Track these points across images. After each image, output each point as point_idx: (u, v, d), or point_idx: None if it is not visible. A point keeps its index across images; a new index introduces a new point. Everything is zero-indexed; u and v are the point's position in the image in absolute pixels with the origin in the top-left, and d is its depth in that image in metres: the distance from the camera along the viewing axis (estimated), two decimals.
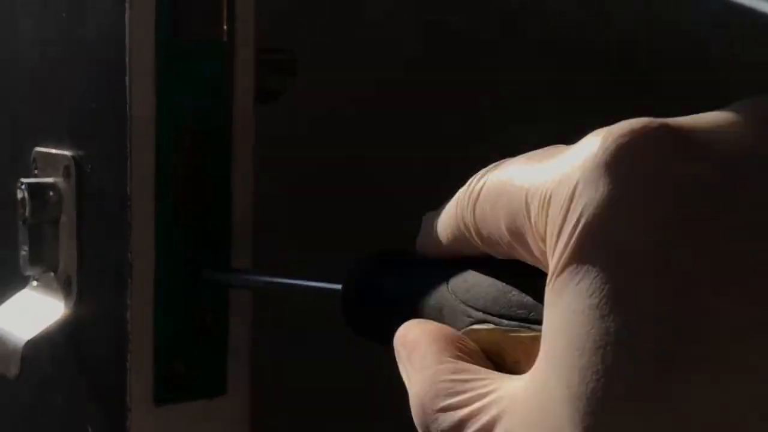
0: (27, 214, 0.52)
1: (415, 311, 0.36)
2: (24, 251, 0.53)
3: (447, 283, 0.34)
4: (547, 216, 0.27)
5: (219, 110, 0.49)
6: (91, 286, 0.51)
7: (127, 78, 0.47)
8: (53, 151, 0.53)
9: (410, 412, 0.31)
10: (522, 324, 0.30)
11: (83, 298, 0.51)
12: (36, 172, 0.54)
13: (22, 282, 0.56)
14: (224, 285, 0.49)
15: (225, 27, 0.48)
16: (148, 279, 0.48)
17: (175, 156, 0.48)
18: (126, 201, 0.47)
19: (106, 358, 0.50)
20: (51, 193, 0.52)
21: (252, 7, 0.49)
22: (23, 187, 0.52)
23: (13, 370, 0.50)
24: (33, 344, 0.51)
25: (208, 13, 0.48)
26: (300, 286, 0.44)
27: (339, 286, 0.40)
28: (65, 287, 0.52)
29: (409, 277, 0.37)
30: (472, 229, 0.32)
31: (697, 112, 0.27)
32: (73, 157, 0.51)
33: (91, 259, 0.51)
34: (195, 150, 0.49)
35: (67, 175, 0.51)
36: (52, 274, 0.53)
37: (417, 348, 0.32)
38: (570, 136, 0.29)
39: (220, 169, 0.50)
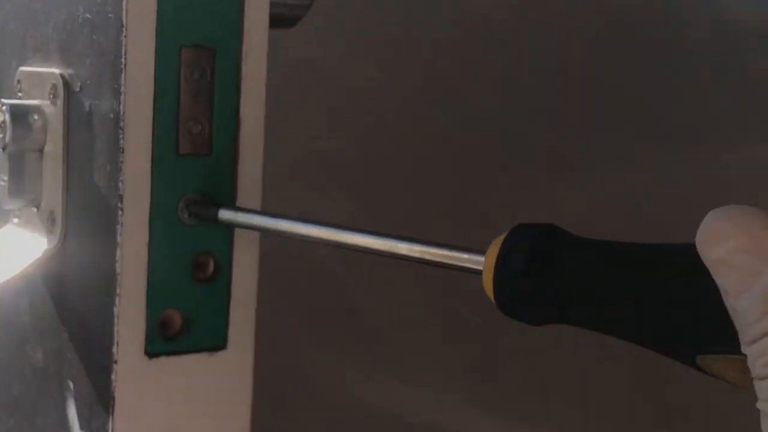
0: (7, 139, 0.46)
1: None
2: (3, 182, 0.46)
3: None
4: None
5: (228, 27, 0.43)
6: (78, 223, 0.45)
7: None
8: (40, 69, 0.47)
9: None
10: None
11: (69, 236, 0.45)
12: (20, 94, 0.48)
13: (4, 217, 0.50)
14: (233, 226, 0.43)
15: None
16: (142, 215, 0.42)
17: (178, 74, 0.42)
18: (119, 124, 0.41)
19: (92, 304, 0.44)
20: (35, 117, 0.46)
21: None
22: (4, 108, 0.46)
23: None
24: (12, 287, 0.45)
25: None
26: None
27: (478, 256, 0.34)
28: (49, 224, 0.46)
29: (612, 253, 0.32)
30: None
31: None
32: (61, 75, 0.45)
33: (78, 193, 0.45)
34: (201, 70, 0.43)
35: (54, 95, 0.45)
36: (35, 209, 0.47)
37: None
38: None
39: (229, 94, 0.43)
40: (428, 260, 0.36)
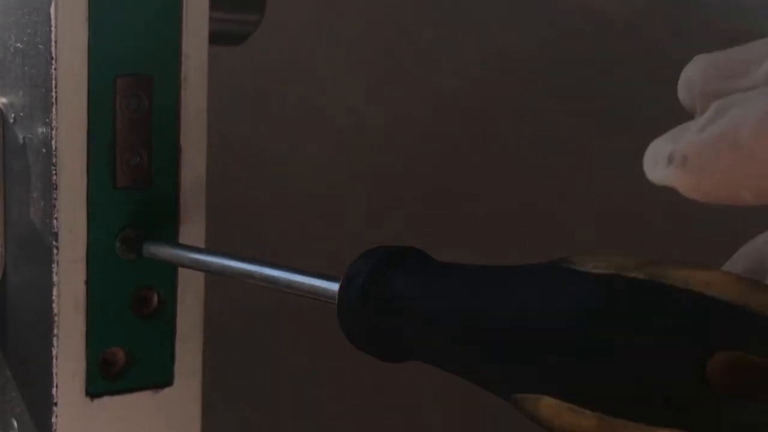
0: None
1: (439, 324, 0.29)
2: None
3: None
4: None
5: (166, 52, 0.41)
6: (18, 259, 0.43)
7: (52, 8, 0.39)
8: None
9: None
10: None
11: (8, 272, 0.44)
12: None
13: None
14: (163, 261, 0.41)
15: None
16: (78, 252, 0.40)
17: (113, 105, 0.40)
18: (52, 159, 0.40)
19: (32, 344, 0.42)
20: None
21: None
22: None
23: None
24: None
25: None
26: (276, 278, 0.36)
27: (332, 284, 0.32)
28: None
29: (439, 280, 0.30)
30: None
31: None
32: None
33: (16, 227, 0.43)
34: (137, 99, 0.41)
35: None
36: None
37: None
38: None
39: (168, 122, 0.42)
40: (286, 287, 0.35)
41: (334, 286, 0.33)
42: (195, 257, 0.39)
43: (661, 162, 0.24)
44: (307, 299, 0.35)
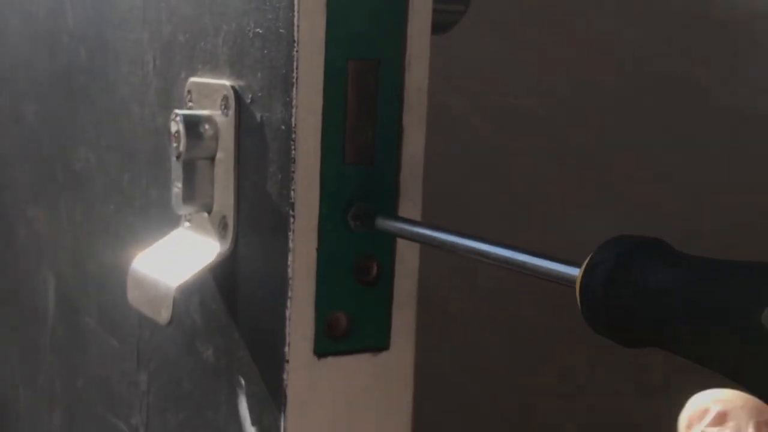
0: (181, 148, 0.48)
1: (695, 321, 0.29)
2: (177, 188, 0.49)
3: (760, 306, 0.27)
4: None
5: (392, 37, 0.44)
6: (249, 228, 0.47)
7: None
8: (210, 80, 0.49)
9: None
10: None
11: (240, 240, 0.48)
12: (190, 104, 0.51)
13: (173, 221, 0.53)
14: (394, 235, 0.44)
15: None
16: (311, 221, 0.44)
17: (345, 86, 0.44)
18: (291, 135, 0.43)
19: (263, 306, 0.46)
20: (207, 127, 0.48)
21: None
22: (178, 119, 0.48)
23: (164, 315, 0.47)
24: (185, 288, 0.47)
25: None
26: (514, 259, 0.37)
27: (572, 269, 0.34)
28: (220, 229, 0.48)
29: (693, 273, 0.30)
30: None
31: None
32: (232, 86, 0.47)
33: (249, 199, 0.47)
34: (366, 80, 0.44)
35: (225, 106, 0.47)
36: (206, 214, 0.50)
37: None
38: None
39: (392, 103, 0.45)
40: (524, 269, 0.37)
41: (574, 271, 0.34)
42: (427, 233, 0.42)
43: None
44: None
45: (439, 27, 0.52)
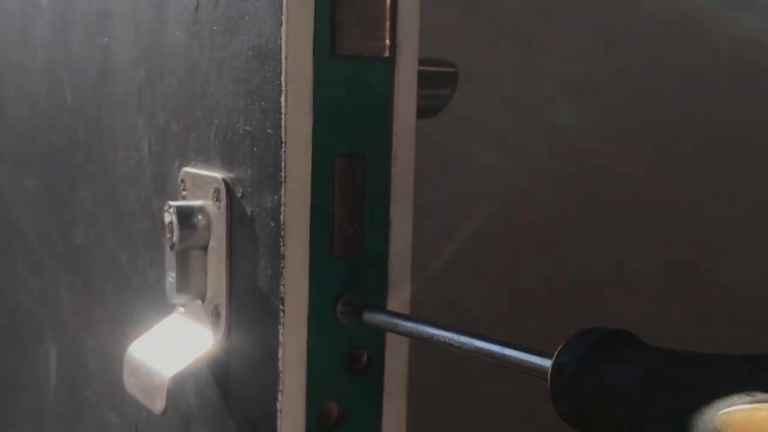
0: (175, 239, 0.49)
1: (655, 416, 0.31)
2: (171, 278, 0.50)
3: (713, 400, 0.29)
4: None
5: (379, 132, 0.45)
6: (241, 318, 0.48)
7: (282, 98, 0.43)
8: (202, 172, 0.50)
9: None
10: None
11: (232, 329, 0.49)
12: (184, 193, 0.52)
13: (165, 306, 0.54)
14: (381, 328, 0.45)
15: (387, 42, 0.45)
16: (301, 313, 0.45)
17: (332, 182, 0.45)
18: (280, 232, 0.44)
19: (255, 396, 0.47)
20: (200, 217, 0.49)
21: (417, 17, 0.45)
22: (171, 210, 0.49)
23: (159, 405, 0.48)
24: (179, 378, 0.48)
25: (369, 28, 0.44)
26: (487, 350, 0.39)
27: (544, 361, 0.35)
28: (214, 317, 0.49)
29: (655, 369, 0.32)
30: None
31: None
32: (224, 179, 0.48)
33: (240, 290, 0.48)
34: (352, 176, 0.45)
35: (217, 198, 0.49)
36: (200, 302, 0.51)
37: None
38: None
39: (379, 197, 0.46)
40: (500, 362, 0.38)
41: (545, 363, 0.35)
42: (411, 326, 0.42)
43: None
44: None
45: (426, 111, 0.54)
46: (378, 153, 0.46)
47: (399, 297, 0.46)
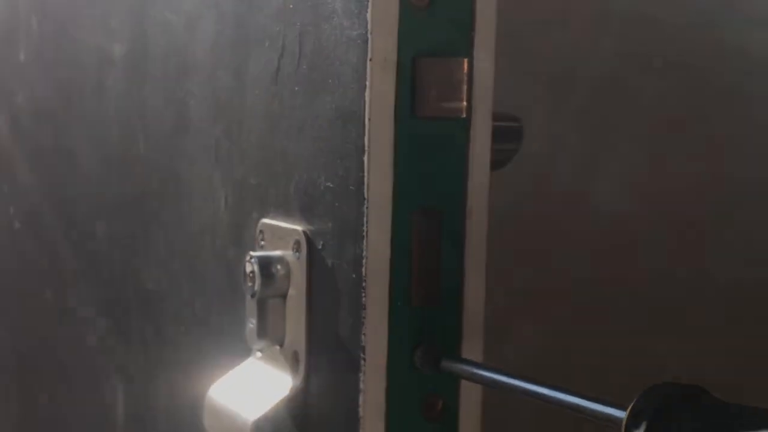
0: (256, 288, 0.51)
1: None
2: (251, 324, 0.52)
3: None
4: None
5: (454, 188, 0.48)
6: (320, 364, 0.50)
7: (365, 157, 0.46)
8: (282, 224, 0.53)
9: None
10: None
11: (311, 375, 0.51)
12: (263, 243, 0.54)
13: (245, 349, 0.56)
14: (458, 376, 0.47)
15: (464, 103, 0.47)
16: (380, 363, 0.47)
17: (410, 236, 0.47)
18: (361, 282, 0.46)
19: None
20: (279, 267, 0.52)
21: (491, 79, 0.48)
22: (253, 260, 0.52)
23: None
24: (260, 422, 0.50)
25: (447, 90, 0.47)
26: (563, 400, 0.41)
27: (618, 412, 0.37)
28: (293, 363, 0.51)
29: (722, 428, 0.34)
30: None
31: None
32: (304, 231, 0.51)
33: (319, 337, 0.50)
34: (429, 229, 0.47)
35: (297, 249, 0.51)
36: (278, 347, 0.53)
37: None
38: None
39: (455, 249, 0.48)
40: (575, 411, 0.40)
41: (620, 414, 0.37)
42: (488, 375, 0.45)
43: None
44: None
45: (495, 165, 0.56)
46: (454, 207, 0.48)
47: (473, 345, 0.48)
